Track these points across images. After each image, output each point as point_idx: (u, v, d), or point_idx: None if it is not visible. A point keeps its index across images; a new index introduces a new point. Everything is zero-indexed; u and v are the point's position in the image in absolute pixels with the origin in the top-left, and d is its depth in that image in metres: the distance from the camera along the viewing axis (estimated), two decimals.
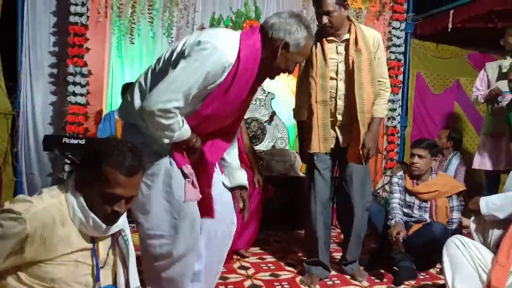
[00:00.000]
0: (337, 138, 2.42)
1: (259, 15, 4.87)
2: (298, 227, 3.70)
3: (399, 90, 5.33)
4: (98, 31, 4.42)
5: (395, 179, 3.10)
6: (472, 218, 2.33)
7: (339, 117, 2.39)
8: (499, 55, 5.65)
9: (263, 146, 4.60)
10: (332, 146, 2.42)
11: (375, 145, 2.38)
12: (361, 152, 2.30)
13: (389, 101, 5.23)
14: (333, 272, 2.59)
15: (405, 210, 2.99)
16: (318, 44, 2.34)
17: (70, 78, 4.26)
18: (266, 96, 4.74)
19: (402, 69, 5.33)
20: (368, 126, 2.33)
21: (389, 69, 5.18)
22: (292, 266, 2.77)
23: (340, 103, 2.36)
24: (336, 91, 2.35)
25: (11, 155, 4.43)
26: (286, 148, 4.63)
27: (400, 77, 5.35)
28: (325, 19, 2.23)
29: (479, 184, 5.03)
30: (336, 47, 2.34)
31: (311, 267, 2.45)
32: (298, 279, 2.51)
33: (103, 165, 1.29)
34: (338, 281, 2.52)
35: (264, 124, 4.57)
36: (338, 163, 2.53)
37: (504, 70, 3.58)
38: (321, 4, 2.21)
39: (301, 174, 3.91)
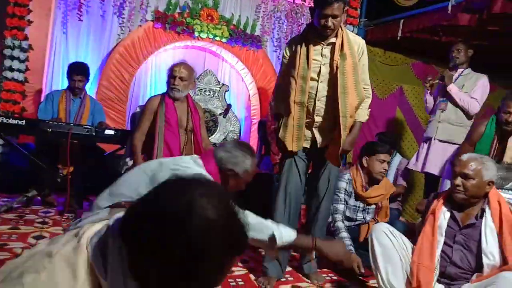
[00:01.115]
0: (313, 139, 2.42)
1: (217, 4, 4.76)
2: None
3: None
4: (43, 4, 4.08)
5: (342, 184, 2.93)
6: (419, 220, 2.43)
7: (317, 118, 2.38)
8: (440, 66, 6.04)
9: (214, 138, 4.52)
10: (308, 146, 2.42)
11: (352, 148, 2.42)
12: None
13: None
14: (288, 268, 2.58)
15: (348, 214, 2.95)
16: (304, 45, 2.32)
17: (7, 51, 3.89)
18: (220, 88, 4.66)
19: None
20: (350, 129, 2.35)
21: None
22: (245, 263, 2.74)
23: (319, 104, 2.35)
24: (316, 92, 2.33)
25: None
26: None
27: None
28: (330, 22, 2.21)
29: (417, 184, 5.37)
30: (321, 49, 2.33)
31: (268, 267, 2.41)
32: (253, 277, 2.47)
33: None
34: (291, 278, 2.52)
35: (217, 116, 4.48)
36: (312, 163, 2.53)
37: (430, 82, 3.83)
38: (328, 6, 2.17)
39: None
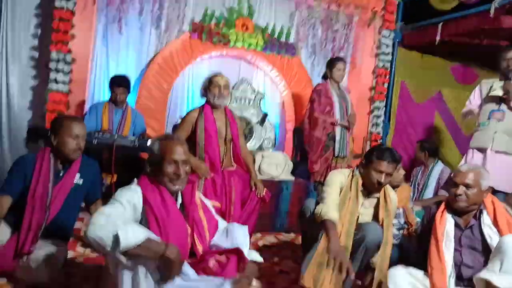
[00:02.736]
0: None
1: (252, 13, 4.80)
2: (286, 231, 3.67)
3: (385, 97, 5.40)
4: (85, 18, 4.22)
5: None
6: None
7: None
8: (480, 69, 5.85)
9: (250, 146, 4.53)
10: None
11: None
12: None
13: (375, 107, 5.32)
14: None
15: None
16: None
17: (52, 65, 4.06)
18: (255, 96, 4.68)
19: (388, 77, 5.41)
20: None
21: (376, 76, 5.28)
22: (285, 273, 2.73)
23: None
24: None
25: None
26: (272, 148, 4.59)
27: (386, 85, 5.42)
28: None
29: None
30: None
31: None
32: None
33: None
34: None
35: (253, 124, 4.50)
36: None
37: (492, 93, 3.66)
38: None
39: (292, 178, 3.88)
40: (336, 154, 3.96)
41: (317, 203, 2.48)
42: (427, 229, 2.24)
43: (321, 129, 3.95)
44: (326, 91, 4.01)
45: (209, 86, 2.94)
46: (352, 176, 2.49)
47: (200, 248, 1.87)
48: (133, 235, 1.54)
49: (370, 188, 2.46)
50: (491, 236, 2.12)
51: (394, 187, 2.76)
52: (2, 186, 2.22)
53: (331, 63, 4.11)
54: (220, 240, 1.93)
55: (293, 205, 3.76)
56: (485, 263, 2.08)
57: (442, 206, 2.24)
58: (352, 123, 4.05)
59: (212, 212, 2.05)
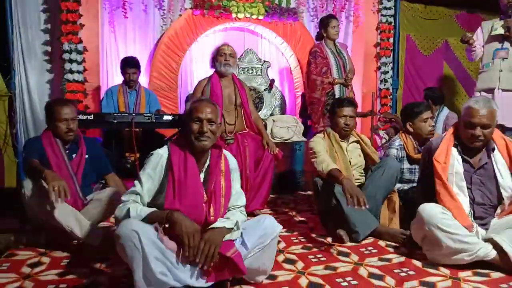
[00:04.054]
0: None
1: None
2: (302, 189, 3.85)
3: (391, 53, 5.42)
4: (90, 7, 4.36)
5: (393, 151, 2.92)
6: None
7: None
8: (486, 15, 5.78)
9: (261, 114, 4.68)
10: None
11: None
12: None
13: (382, 64, 5.35)
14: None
15: (406, 177, 2.90)
16: None
17: (66, 56, 4.23)
18: (262, 65, 4.79)
19: (392, 31, 5.41)
20: None
21: (380, 32, 5.29)
22: (304, 223, 2.91)
23: None
24: None
25: (11, 137, 4.42)
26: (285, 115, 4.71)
27: (391, 40, 5.43)
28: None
29: None
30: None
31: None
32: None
33: None
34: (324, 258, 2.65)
35: (262, 92, 4.63)
36: None
37: (494, 32, 3.70)
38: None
39: (303, 139, 4.02)
40: None
41: None
42: (430, 167, 2.24)
43: (320, 90, 4.04)
44: (321, 52, 4.06)
45: (216, 55, 3.08)
46: (327, 134, 2.86)
47: (212, 219, 1.85)
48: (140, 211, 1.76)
49: (343, 135, 2.85)
50: (502, 174, 2.18)
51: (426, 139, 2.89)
52: (25, 156, 2.45)
53: (324, 22, 4.12)
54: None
55: (307, 164, 3.92)
56: (495, 201, 2.19)
57: (446, 144, 2.22)
58: (349, 79, 4.07)
59: (235, 184, 2.02)
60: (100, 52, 4.55)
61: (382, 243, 2.48)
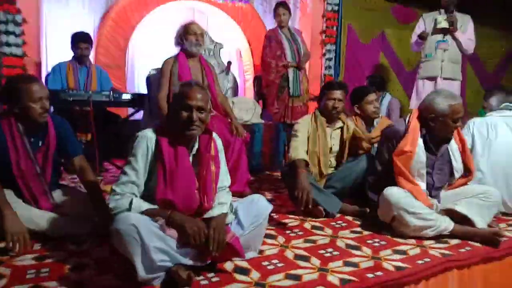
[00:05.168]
0: None
1: None
2: (261, 170, 3.94)
3: (335, 40, 5.66)
4: None
5: None
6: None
7: None
8: (419, 9, 6.24)
9: None
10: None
11: None
12: None
13: (327, 51, 5.57)
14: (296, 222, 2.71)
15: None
16: None
17: (1, 27, 3.86)
18: (214, 46, 4.76)
19: (337, 20, 5.65)
20: None
21: (326, 20, 5.49)
22: (273, 201, 3.01)
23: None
24: None
25: None
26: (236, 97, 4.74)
27: (335, 28, 5.67)
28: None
29: None
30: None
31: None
32: None
33: None
34: (301, 232, 2.79)
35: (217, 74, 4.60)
36: None
37: (439, 26, 4.06)
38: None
39: (262, 121, 4.09)
40: (290, 93, 4.22)
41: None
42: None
43: (274, 73, 4.23)
44: (276, 36, 4.27)
45: (185, 34, 3.00)
46: (315, 117, 2.87)
47: (206, 205, 1.84)
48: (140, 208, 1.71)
49: (330, 118, 2.85)
50: (456, 158, 2.46)
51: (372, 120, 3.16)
52: None
53: (274, 10, 4.36)
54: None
55: (266, 146, 4.02)
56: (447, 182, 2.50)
57: (413, 134, 2.34)
58: (303, 62, 4.28)
59: (222, 165, 1.99)
60: (40, 25, 4.22)
61: (349, 218, 2.66)
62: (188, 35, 2.99)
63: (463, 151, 2.49)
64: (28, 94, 2.05)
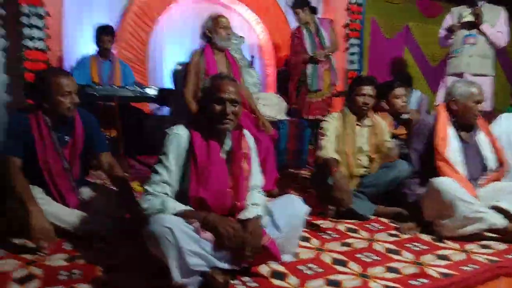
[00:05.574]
0: None
1: None
2: (286, 167, 3.85)
3: (359, 34, 5.52)
4: None
5: None
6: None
7: None
8: (444, 3, 6.07)
9: None
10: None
11: None
12: None
13: (350, 45, 5.43)
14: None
15: None
16: None
17: (24, 20, 3.81)
18: (237, 41, 4.65)
19: (360, 13, 5.50)
20: None
21: (350, 13, 5.36)
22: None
23: None
24: None
25: None
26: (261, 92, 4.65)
27: (358, 22, 5.52)
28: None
29: None
30: None
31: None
32: None
33: None
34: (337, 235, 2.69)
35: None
36: None
37: (464, 19, 3.91)
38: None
39: (287, 117, 4.00)
40: (308, 88, 4.11)
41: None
42: (427, 145, 2.43)
43: (295, 69, 4.19)
44: (298, 32, 4.20)
45: (214, 27, 2.90)
46: (343, 114, 2.74)
47: (239, 204, 1.77)
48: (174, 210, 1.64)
49: (360, 115, 2.72)
50: (487, 150, 2.44)
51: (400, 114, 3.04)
52: (5, 148, 2.01)
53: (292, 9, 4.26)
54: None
55: (291, 143, 3.92)
56: (480, 172, 2.44)
57: (443, 122, 2.39)
58: (318, 54, 4.07)
59: (254, 164, 1.91)
60: (63, 18, 4.17)
61: (384, 220, 2.55)
62: (218, 28, 2.90)
63: (493, 144, 2.48)
64: (58, 88, 2.01)
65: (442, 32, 4.12)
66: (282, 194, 2.54)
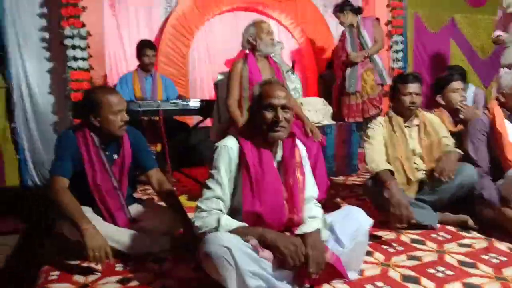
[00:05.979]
0: None
1: None
2: (334, 174, 3.69)
3: (402, 30, 5.28)
4: None
5: None
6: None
7: None
8: None
9: None
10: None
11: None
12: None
13: (393, 42, 5.21)
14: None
15: None
16: None
17: (68, 41, 3.90)
18: (276, 46, 4.56)
19: (403, 9, 5.27)
20: None
21: (391, 10, 5.14)
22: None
23: None
24: None
25: (11, 131, 4.08)
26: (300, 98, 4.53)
27: (401, 18, 5.29)
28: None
29: None
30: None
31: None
32: None
33: None
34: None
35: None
36: None
37: (509, 10, 3.66)
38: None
39: (333, 122, 3.85)
40: (346, 90, 4.02)
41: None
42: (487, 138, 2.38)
43: (337, 72, 4.19)
44: (343, 35, 4.18)
45: (259, 33, 2.81)
46: (389, 118, 2.55)
47: (296, 217, 1.66)
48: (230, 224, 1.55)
49: (407, 115, 2.52)
50: None
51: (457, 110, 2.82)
52: (53, 168, 2.01)
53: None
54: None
55: (338, 148, 3.76)
56: None
57: (500, 116, 2.36)
58: (354, 56, 3.98)
59: (308, 174, 1.80)
60: (104, 37, 4.24)
61: (451, 228, 2.34)
62: (261, 34, 2.80)
63: None
64: (109, 106, 1.98)
65: (496, 32, 3.89)
66: (333, 204, 2.42)
